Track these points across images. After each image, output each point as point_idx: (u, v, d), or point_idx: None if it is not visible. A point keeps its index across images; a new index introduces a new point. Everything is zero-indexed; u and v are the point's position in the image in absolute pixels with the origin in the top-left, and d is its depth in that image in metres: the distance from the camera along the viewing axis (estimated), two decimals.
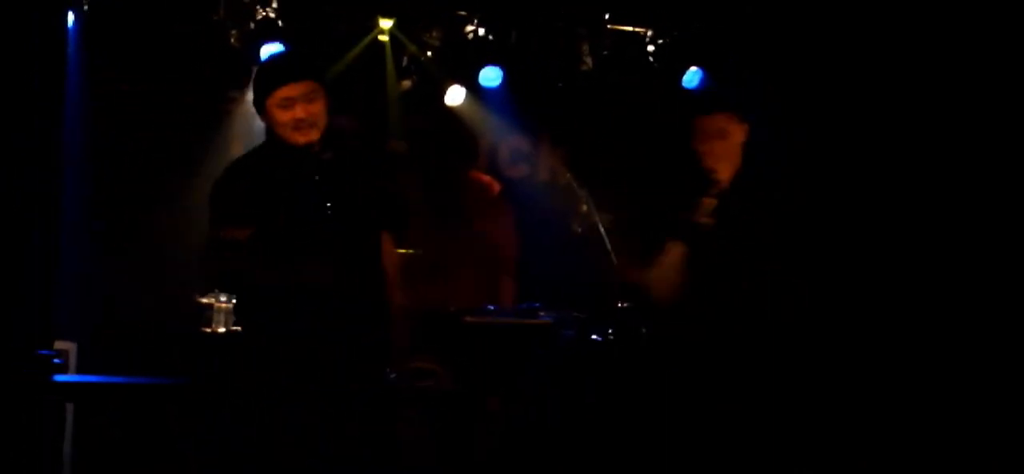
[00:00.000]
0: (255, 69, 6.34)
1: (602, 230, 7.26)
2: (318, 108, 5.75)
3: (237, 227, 5.67)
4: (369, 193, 5.86)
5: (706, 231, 6.33)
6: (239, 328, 6.42)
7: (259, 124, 8.24)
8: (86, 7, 7.80)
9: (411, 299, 7.63)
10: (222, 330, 7.18)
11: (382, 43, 8.48)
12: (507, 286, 7.94)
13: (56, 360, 6.23)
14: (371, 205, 5.86)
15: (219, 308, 7.30)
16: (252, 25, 8.06)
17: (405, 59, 8.58)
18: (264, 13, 8.05)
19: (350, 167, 5.85)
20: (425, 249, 7.73)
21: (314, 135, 5.75)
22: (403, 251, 7.69)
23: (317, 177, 5.77)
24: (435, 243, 7.79)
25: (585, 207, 7.41)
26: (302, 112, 5.71)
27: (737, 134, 6.45)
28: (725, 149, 6.42)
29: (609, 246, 7.22)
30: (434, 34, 8.45)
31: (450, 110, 8.64)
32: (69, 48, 7.80)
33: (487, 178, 8.15)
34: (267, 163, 5.80)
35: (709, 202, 6.35)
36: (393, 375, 6.83)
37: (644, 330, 6.97)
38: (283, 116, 5.71)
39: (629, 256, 6.93)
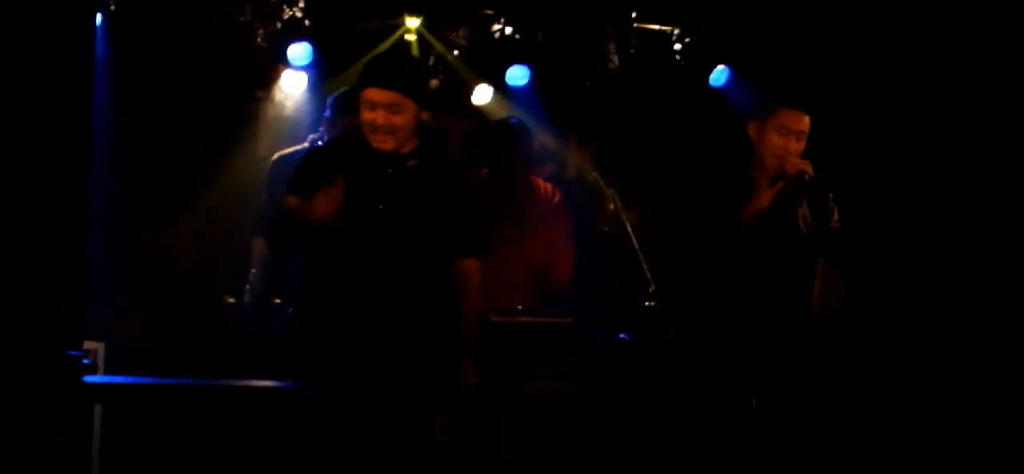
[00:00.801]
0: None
1: (629, 229, 7.23)
2: (402, 121, 5.87)
3: (305, 200, 5.82)
4: (444, 211, 6.01)
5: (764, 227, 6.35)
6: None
7: (285, 123, 8.36)
8: (113, 7, 7.79)
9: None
10: None
11: (409, 42, 8.48)
12: (562, 290, 7.90)
13: (85, 361, 6.21)
14: (443, 222, 6.01)
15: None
16: (279, 24, 8.06)
17: (432, 58, 8.57)
18: (291, 12, 8.06)
19: (431, 182, 5.99)
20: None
21: (389, 144, 5.88)
22: None
23: (388, 180, 5.90)
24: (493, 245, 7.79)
25: (612, 206, 7.38)
26: (382, 119, 5.83)
27: (806, 140, 6.50)
28: (798, 150, 6.48)
29: (636, 245, 7.19)
30: (461, 33, 8.45)
31: (507, 112, 8.60)
32: (97, 48, 7.83)
33: (549, 185, 8.11)
34: (348, 148, 5.95)
35: (766, 196, 6.37)
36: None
37: (672, 330, 6.94)
38: (366, 115, 5.85)
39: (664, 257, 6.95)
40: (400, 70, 6.04)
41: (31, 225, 7.39)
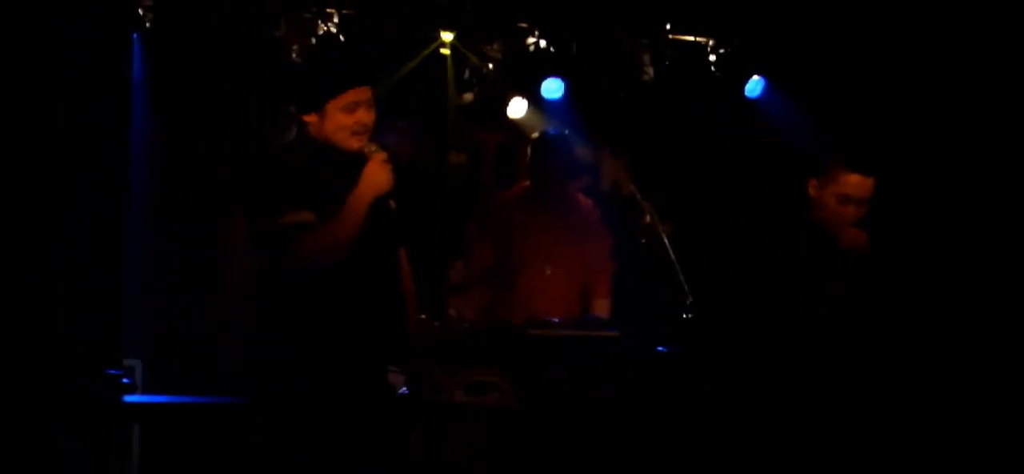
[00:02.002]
0: (306, 67, 6.36)
1: (666, 241, 7.22)
2: (373, 115, 5.79)
3: (297, 211, 5.66)
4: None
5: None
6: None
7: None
8: (148, 24, 7.80)
9: (480, 311, 7.64)
10: None
11: (443, 56, 8.47)
12: (602, 307, 7.90)
13: (125, 380, 6.23)
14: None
15: None
16: (313, 40, 8.05)
17: (467, 72, 8.57)
18: (325, 28, 8.05)
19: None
20: (501, 264, 7.73)
21: (365, 141, 5.77)
22: (473, 266, 7.72)
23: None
24: (527, 256, 7.78)
25: (648, 218, 7.37)
26: (364, 117, 5.73)
27: (868, 204, 6.35)
28: (858, 216, 6.36)
29: (673, 257, 7.18)
30: (495, 46, 8.43)
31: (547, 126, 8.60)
32: (133, 67, 7.87)
33: (589, 201, 8.11)
34: (315, 161, 5.77)
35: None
36: (405, 390, 6.84)
37: (710, 342, 6.92)
38: (346, 119, 5.71)
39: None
40: (366, 65, 6.14)
41: (68, 244, 7.45)
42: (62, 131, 7.38)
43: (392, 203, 5.82)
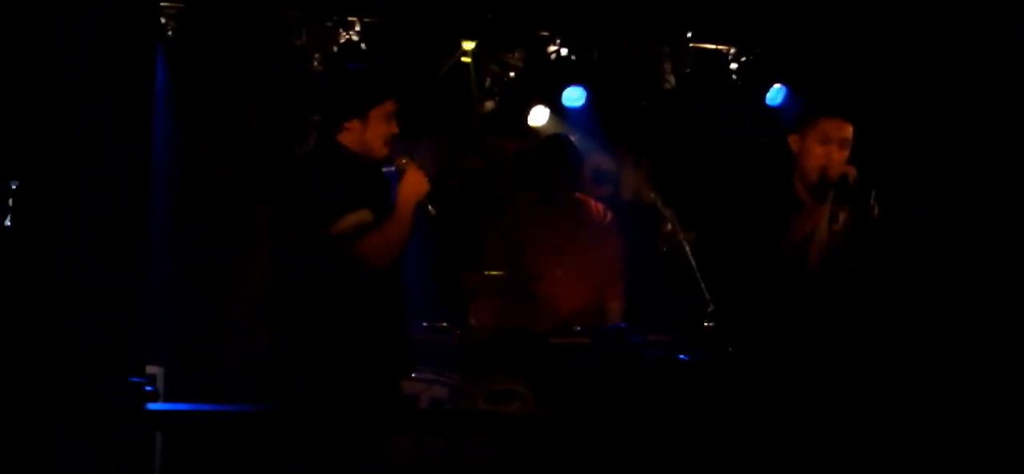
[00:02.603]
0: (349, 74, 6.42)
1: (687, 249, 7.21)
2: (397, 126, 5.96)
3: (353, 212, 5.78)
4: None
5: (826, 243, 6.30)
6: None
7: None
8: (170, 33, 7.82)
9: (500, 319, 7.64)
10: None
11: (465, 64, 8.48)
12: (614, 310, 7.91)
13: (148, 388, 6.23)
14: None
15: None
16: (335, 49, 8.06)
17: (488, 80, 8.57)
18: (347, 36, 8.07)
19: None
20: (517, 271, 7.72)
21: (387, 151, 5.94)
22: (490, 273, 7.70)
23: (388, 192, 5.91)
24: (540, 263, 7.77)
25: (670, 226, 7.36)
26: (396, 128, 5.91)
27: (849, 150, 6.44)
28: (841, 159, 6.41)
29: (694, 265, 7.17)
30: (517, 55, 8.43)
31: (555, 131, 8.59)
32: (156, 76, 7.89)
33: (601, 205, 8.12)
34: (350, 169, 5.88)
35: (822, 212, 6.32)
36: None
37: (731, 349, 6.91)
38: (384, 129, 5.88)
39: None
40: (388, 76, 6.18)
41: (91, 250, 7.47)
42: (83, 138, 7.41)
43: (431, 209, 5.95)
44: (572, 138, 8.26)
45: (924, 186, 8.09)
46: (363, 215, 5.76)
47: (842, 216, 6.47)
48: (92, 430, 6.08)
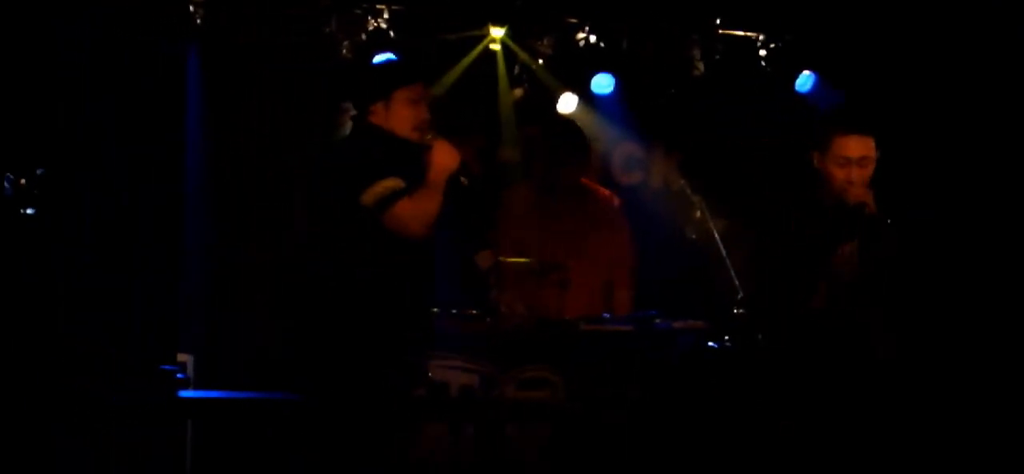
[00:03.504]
0: (377, 61, 6.42)
1: (717, 236, 7.21)
2: (428, 115, 5.98)
3: (383, 181, 5.79)
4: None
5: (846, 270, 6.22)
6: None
7: None
8: (199, 21, 7.82)
9: (524, 307, 7.63)
10: None
11: (494, 52, 8.47)
12: (623, 299, 7.89)
13: (179, 375, 6.24)
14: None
15: None
16: (363, 36, 8.06)
17: (517, 67, 8.56)
18: (375, 24, 8.05)
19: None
20: (539, 256, 7.70)
21: (424, 137, 5.92)
22: (513, 260, 7.69)
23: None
24: (549, 251, 7.75)
25: (699, 213, 7.36)
26: (425, 113, 5.92)
27: (872, 164, 6.26)
28: (862, 178, 6.23)
29: (724, 253, 7.16)
30: (546, 42, 8.41)
31: (562, 116, 8.59)
32: (188, 65, 7.91)
33: (607, 191, 8.11)
34: (385, 149, 5.90)
35: (847, 250, 6.22)
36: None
37: (761, 338, 6.89)
38: (408, 112, 5.89)
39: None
40: (425, 58, 6.18)
41: (123, 239, 7.49)
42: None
43: (463, 179, 5.96)
44: (578, 124, 8.25)
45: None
46: (394, 182, 5.77)
47: (848, 250, 6.26)
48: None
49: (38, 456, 5.99)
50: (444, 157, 5.85)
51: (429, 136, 5.90)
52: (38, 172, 6.85)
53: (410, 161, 5.87)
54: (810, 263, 6.21)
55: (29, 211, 6.64)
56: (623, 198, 8.29)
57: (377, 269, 5.82)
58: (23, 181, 6.67)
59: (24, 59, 7.27)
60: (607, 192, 8.15)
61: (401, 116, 5.90)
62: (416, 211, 5.80)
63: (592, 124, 8.57)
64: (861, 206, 6.13)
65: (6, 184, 6.69)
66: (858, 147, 6.23)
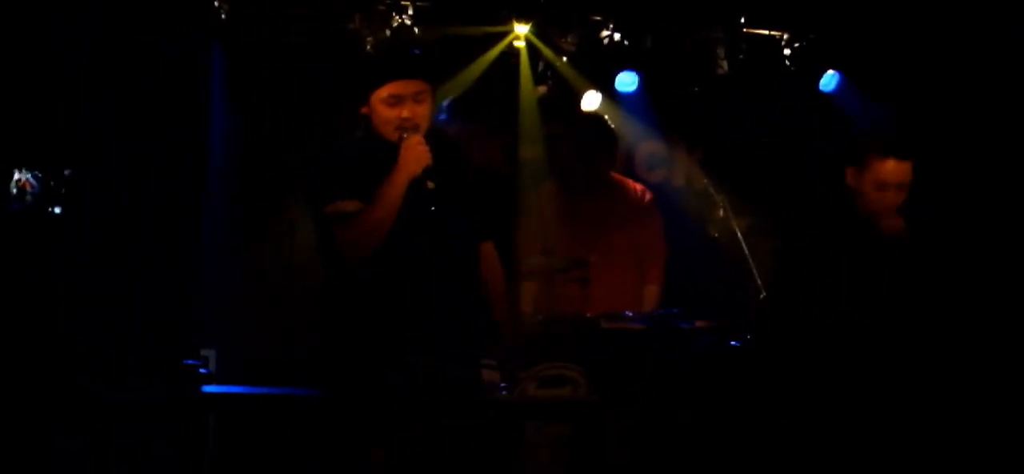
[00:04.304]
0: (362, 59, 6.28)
1: (739, 235, 7.20)
2: (424, 110, 5.61)
3: (344, 200, 5.54)
4: (462, 202, 5.78)
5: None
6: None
7: None
8: (224, 16, 7.83)
9: (547, 304, 7.63)
10: None
11: (518, 49, 8.48)
12: (652, 294, 7.89)
13: (202, 370, 6.26)
14: (465, 214, 5.79)
15: None
16: (388, 32, 8.05)
17: (541, 64, 8.57)
18: (400, 20, 8.06)
19: (447, 174, 5.71)
20: (564, 254, 7.69)
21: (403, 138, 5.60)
22: (535, 259, 7.69)
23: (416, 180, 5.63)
24: (576, 247, 7.75)
25: (722, 212, 7.34)
26: (408, 112, 5.56)
27: (907, 190, 6.22)
28: (897, 202, 6.22)
29: (747, 251, 7.15)
30: (570, 39, 8.42)
31: (590, 112, 8.59)
32: (212, 64, 7.94)
33: (639, 186, 8.10)
34: (368, 153, 5.64)
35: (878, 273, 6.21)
36: (504, 388, 6.85)
37: (783, 336, 6.88)
38: (387, 113, 5.56)
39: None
40: (416, 58, 5.87)
41: (149, 235, 7.51)
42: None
43: (429, 183, 5.57)
44: (607, 119, 8.24)
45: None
46: (347, 205, 5.55)
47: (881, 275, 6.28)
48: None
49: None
50: (409, 157, 5.52)
51: (405, 133, 5.57)
52: (66, 172, 6.90)
53: (384, 167, 5.57)
54: (838, 271, 6.22)
55: (56, 210, 6.67)
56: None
57: (379, 270, 5.72)
58: (51, 182, 6.69)
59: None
60: (639, 186, 8.13)
61: (381, 118, 5.59)
62: (362, 230, 5.55)
63: (616, 121, 8.56)
64: (898, 241, 6.17)
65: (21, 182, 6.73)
66: (897, 173, 6.19)
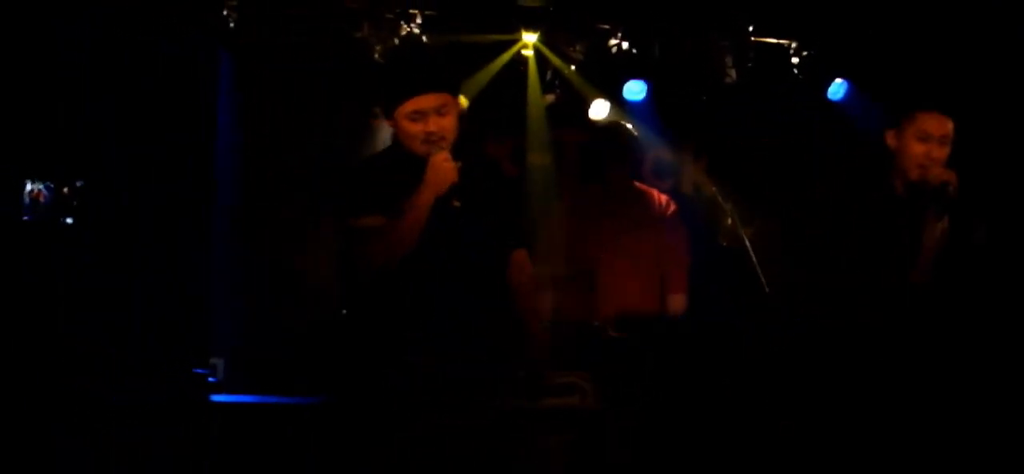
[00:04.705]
0: (383, 74, 6.26)
1: (747, 243, 7.19)
2: (450, 122, 5.60)
3: (369, 215, 5.57)
4: (491, 214, 5.80)
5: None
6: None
7: None
8: (232, 24, 7.85)
9: (561, 311, 7.63)
10: None
11: (526, 57, 8.48)
12: (677, 302, 7.89)
13: (211, 379, 6.26)
14: (492, 226, 5.79)
15: None
16: (396, 41, 8.06)
17: (549, 73, 8.57)
18: (408, 28, 8.06)
19: (476, 186, 5.74)
20: (576, 263, 7.70)
21: (445, 150, 5.58)
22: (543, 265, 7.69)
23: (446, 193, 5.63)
24: (590, 253, 7.76)
25: (730, 220, 7.34)
26: (433, 126, 5.55)
27: (950, 146, 6.22)
28: (942, 157, 6.20)
29: (755, 259, 7.15)
30: (578, 48, 8.42)
31: (614, 120, 8.59)
32: (221, 68, 7.95)
33: (664, 196, 8.09)
34: (396, 168, 5.65)
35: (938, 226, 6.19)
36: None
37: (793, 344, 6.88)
38: (412, 128, 5.56)
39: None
40: (437, 70, 5.83)
41: (157, 242, 7.52)
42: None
43: (456, 202, 5.59)
44: (631, 126, 8.23)
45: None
46: (372, 220, 5.58)
47: (940, 227, 6.23)
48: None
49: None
50: (435, 176, 5.51)
51: (433, 149, 5.57)
52: (78, 184, 6.92)
53: (410, 182, 5.59)
54: (900, 239, 6.19)
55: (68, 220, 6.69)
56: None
57: (402, 281, 5.72)
58: (66, 189, 6.71)
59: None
60: (664, 197, 8.11)
61: (407, 133, 5.59)
62: (386, 245, 5.57)
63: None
64: (945, 185, 6.10)
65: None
66: (940, 125, 6.21)
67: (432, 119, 5.54)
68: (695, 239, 8.11)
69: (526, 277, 5.95)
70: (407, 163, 5.61)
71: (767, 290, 7.04)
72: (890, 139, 6.32)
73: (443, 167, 5.51)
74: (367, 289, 5.71)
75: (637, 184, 8.10)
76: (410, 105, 5.56)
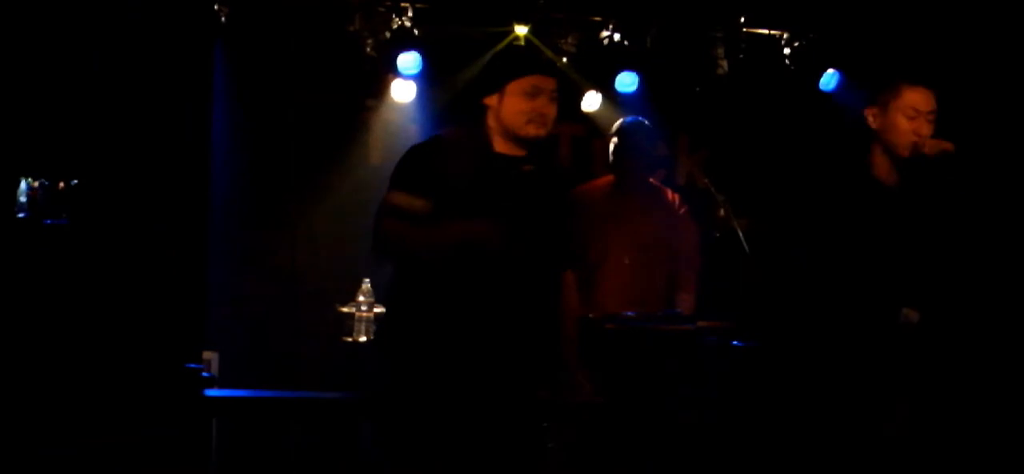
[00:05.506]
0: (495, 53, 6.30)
1: (740, 235, 7.19)
2: (554, 111, 5.79)
3: (414, 196, 5.65)
4: (556, 218, 5.91)
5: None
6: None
7: (395, 131, 8.36)
8: (223, 19, 7.83)
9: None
10: (363, 339, 7.19)
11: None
12: (687, 301, 7.88)
13: (205, 374, 6.25)
14: (556, 229, 5.90)
15: (360, 317, 7.32)
16: (388, 34, 8.06)
17: None
18: (400, 22, 8.06)
19: (547, 186, 5.88)
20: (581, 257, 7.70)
21: (542, 133, 5.76)
22: None
23: (513, 184, 5.75)
24: (610, 249, 7.75)
25: (723, 212, 7.33)
26: (544, 107, 5.73)
27: (934, 123, 6.07)
28: (929, 133, 6.04)
29: (747, 251, 7.15)
30: (570, 40, 8.41)
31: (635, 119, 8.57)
32: (214, 63, 7.94)
33: (676, 196, 8.06)
34: (462, 157, 5.76)
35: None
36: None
37: (784, 335, 6.86)
38: (524, 104, 5.71)
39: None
40: (550, 59, 6.06)
41: (151, 236, 7.51)
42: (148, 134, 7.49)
43: (526, 167, 5.77)
44: (646, 123, 8.21)
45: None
46: (420, 203, 5.62)
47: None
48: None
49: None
50: (477, 233, 5.59)
51: (527, 167, 5.75)
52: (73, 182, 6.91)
53: (479, 182, 5.72)
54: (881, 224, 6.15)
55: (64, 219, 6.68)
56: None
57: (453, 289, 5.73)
58: (61, 185, 6.70)
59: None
60: (676, 196, 8.08)
61: (514, 108, 5.72)
62: (399, 237, 5.65)
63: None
64: (945, 154, 5.97)
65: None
66: (927, 101, 6.06)
67: (544, 100, 5.72)
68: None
69: (570, 298, 6.18)
70: (473, 157, 5.73)
71: (760, 280, 7.04)
72: (871, 118, 6.15)
73: (487, 234, 5.58)
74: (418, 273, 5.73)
75: (651, 180, 8.09)
76: (534, 80, 5.74)
